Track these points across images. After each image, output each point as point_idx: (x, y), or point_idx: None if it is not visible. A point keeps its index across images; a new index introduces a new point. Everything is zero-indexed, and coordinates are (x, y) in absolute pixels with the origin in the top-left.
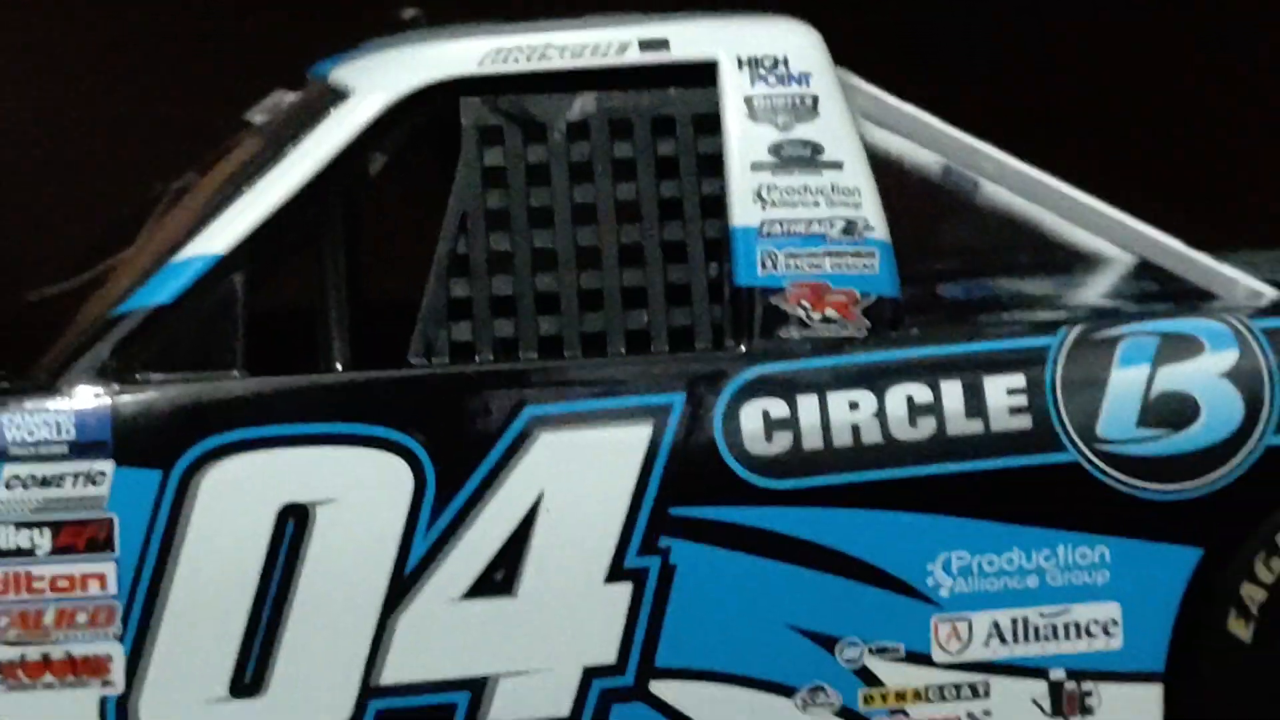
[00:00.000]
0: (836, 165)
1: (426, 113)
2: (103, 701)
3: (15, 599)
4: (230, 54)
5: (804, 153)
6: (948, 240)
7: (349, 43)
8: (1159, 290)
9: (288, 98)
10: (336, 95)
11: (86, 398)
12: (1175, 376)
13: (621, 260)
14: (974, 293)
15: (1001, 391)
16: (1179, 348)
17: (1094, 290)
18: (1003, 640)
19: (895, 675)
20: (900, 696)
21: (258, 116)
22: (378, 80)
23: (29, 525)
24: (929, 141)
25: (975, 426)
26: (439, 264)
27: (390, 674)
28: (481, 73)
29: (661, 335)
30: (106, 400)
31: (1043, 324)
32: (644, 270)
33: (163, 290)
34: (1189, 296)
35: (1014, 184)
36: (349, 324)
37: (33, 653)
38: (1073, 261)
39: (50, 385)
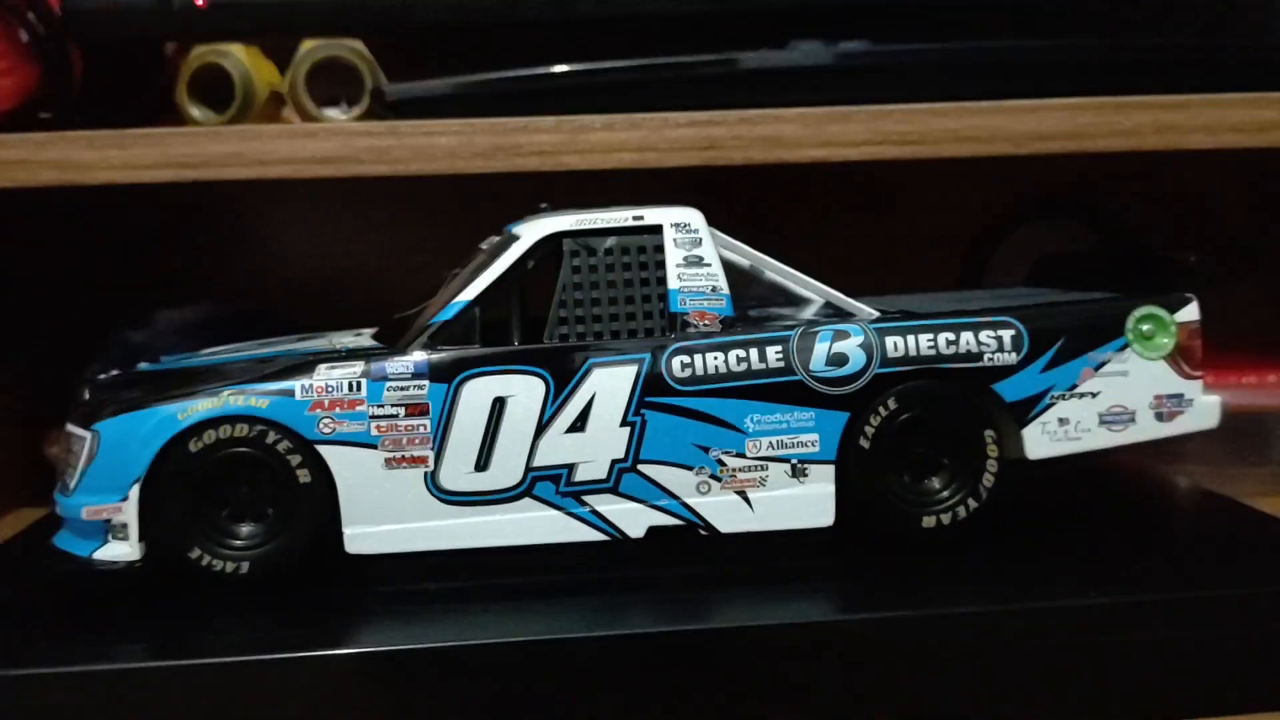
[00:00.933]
0: (708, 265)
1: (550, 245)
2: (425, 475)
3: (391, 435)
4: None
5: (694, 259)
6: (751, 294)
7: (520, 215)
8: (832, 314)
9: (495, 238)
10: (514, 238)
11: (418, 354)
12: (839, 346)
13: (626, 299)
14: (765, 316)
15: (775, 352)
16: (841, 335)
17: (807, 314)
18: (771, 448)
19: (730, 463)
20: (733, 471)
21: (483, 245)
22: (530, 231)
23: (397, 406)
24: (742, 254)
25: (765, 365)
26: (554, 305)
27: (538, 460)
28: (571, 229)
29: (640, 333)
30: (426, 355)
31: (789, 326)
32: (634, 305)
33: (449, 313)
34: (843, 315)
35: (774, 269)
36: (521, 330)
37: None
38: (799, 302)
39: (403, 350)
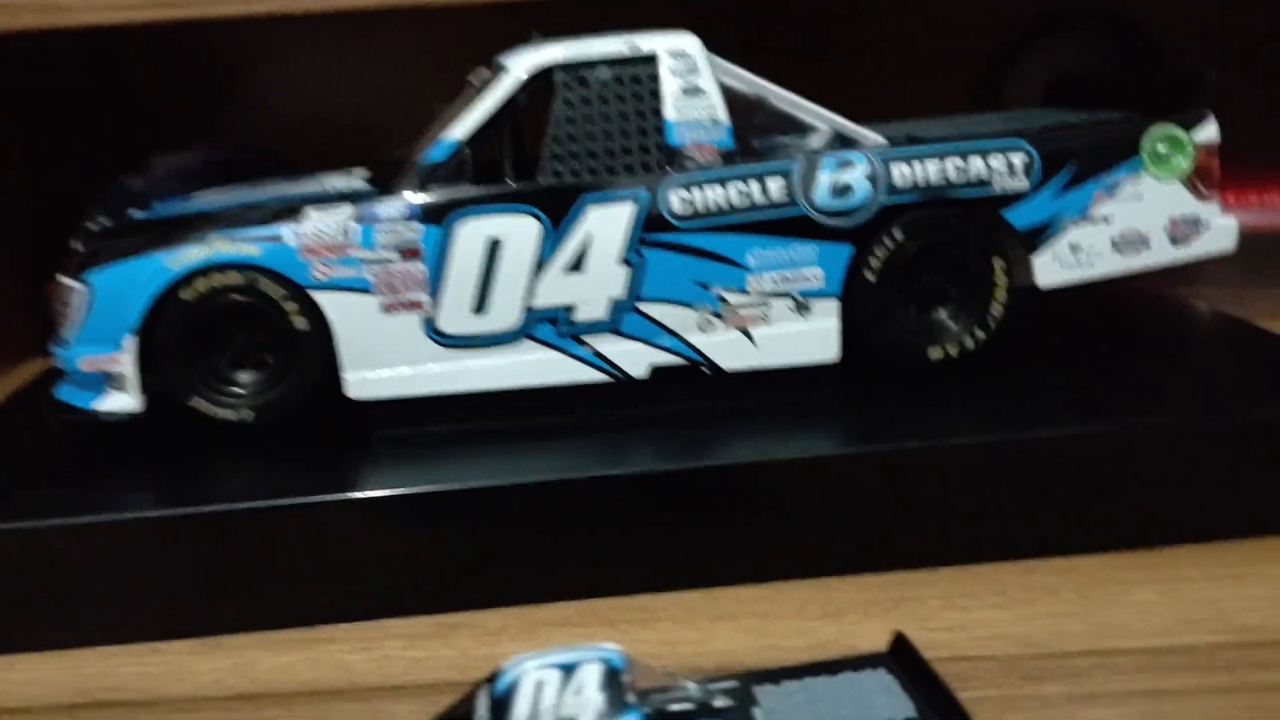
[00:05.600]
0: (706, 94)
1: (541, 78)
2: (423, 318)
3: (386, 279)
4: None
5: (692, 89)
6: (753, 124)
7: (512, 44)
8: (838, 142)
9: (485, 71)
10: (503, 71)
11: (410, 196)
12: (844, 176)
13: (621, 134)
14: (768, 146)
15: (777, 184)
16: (846, 165)
17: (812, 143)
18: (774, 284)
19: (732, 299)
20: (735, 308)
21: (473, 79)
22: (520, 64)
23: (389, 249)
24: (743, 81)
25: (766, 198)
26: (546, 142)
27: (536, 302)
28: (564, 60)
29: (637, 168)
30: (418, 197)
31: (791, 156)
32: (630, 139)
33: (439, 153)
34: (849, 143)
35: (777, 97)
36: (514, 168)
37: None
38: (803, 131)
39: (395, 190)
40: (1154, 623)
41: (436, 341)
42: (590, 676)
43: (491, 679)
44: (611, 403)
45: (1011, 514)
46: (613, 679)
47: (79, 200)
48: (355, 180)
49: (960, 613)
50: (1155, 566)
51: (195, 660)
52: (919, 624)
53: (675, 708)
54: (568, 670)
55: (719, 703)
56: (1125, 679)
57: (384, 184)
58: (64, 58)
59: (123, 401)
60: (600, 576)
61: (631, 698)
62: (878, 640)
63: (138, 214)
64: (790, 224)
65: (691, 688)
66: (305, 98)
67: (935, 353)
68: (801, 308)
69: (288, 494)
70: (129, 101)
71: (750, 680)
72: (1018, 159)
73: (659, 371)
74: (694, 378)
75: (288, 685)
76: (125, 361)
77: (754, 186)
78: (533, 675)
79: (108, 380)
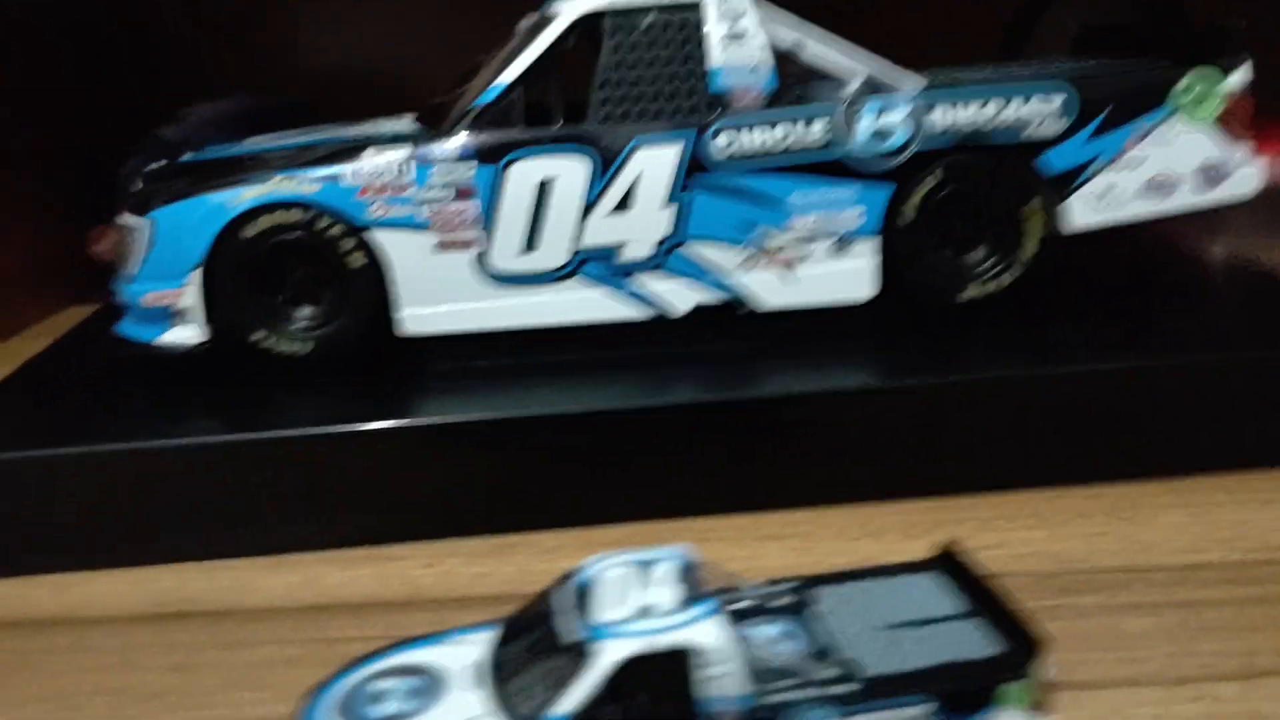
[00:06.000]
0: (751, 39)
1: (588, 23)
2: (475, 256)
3: (440, 217)
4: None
5: (737, 34)
6: (796, 68)
7: None
8: (880, 86)
9: (532, 18)
10: (551, 17)
11: (462, 137)
12: (885, 120)
13: (668, 78)
14: (810, 90)
15: (819, 127)
16: (887, 108)
17: (854, 86)
18: (814, 224)
19: (773, 239)
20: (776, 248)
21: (521, 25)
22: (568, 10)
23: (445, 188)
24: (787, 24)
25: (808, 141)
26: (595, 85)
27: (585, 241)
28: (608, 6)
29: (683, 111)
30: (471, 138)
31: (834, 100)
32: (676, 83)
33: (490, 95)
34: (890, 87)
35: (820, 40)
36: (563, 111)
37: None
38: (845, 74)
39: (448, 132)
40: (1185, 541)
41: (489, 279)
42: (667, 571)
43: (572, 574)
44: (657, 338)
45: (1043, 444)
46: (688, 573)
47: (114, 151)
48: (406, 124)
49: (996, 534)
50: (1184, 492)
51: (265, 575)
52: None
53: (744, 604)
54: (645, 566)
55: (784, 601)
56: (1160, 591)
57: (435, 127)
58: (95, 6)
59: (186, 334)
60: (651, 500)
61: (706, 591)
62: (916, 558)
63: (192, 156)
64: (831, 166)
65: (758, 587)
66: (335, 48)
67: (968, 293)
68: (841, 248)
69: (349, 421)
70: (160, 51)
71: (809, 583)
72: (1055, 104)
73: (700, 308)
74: (734, 315)
75: (355, 598)
76: (189, 296)
77: (797, 129)
78: (612, 571)
79: (172, 314)
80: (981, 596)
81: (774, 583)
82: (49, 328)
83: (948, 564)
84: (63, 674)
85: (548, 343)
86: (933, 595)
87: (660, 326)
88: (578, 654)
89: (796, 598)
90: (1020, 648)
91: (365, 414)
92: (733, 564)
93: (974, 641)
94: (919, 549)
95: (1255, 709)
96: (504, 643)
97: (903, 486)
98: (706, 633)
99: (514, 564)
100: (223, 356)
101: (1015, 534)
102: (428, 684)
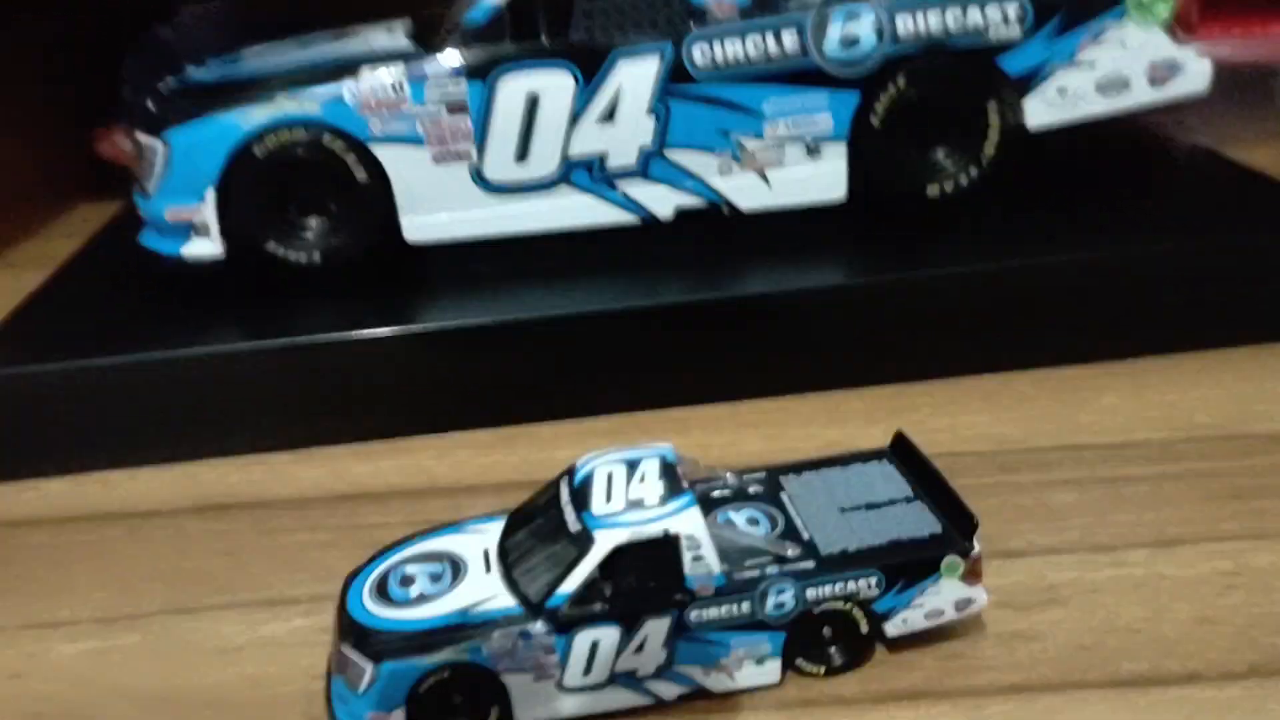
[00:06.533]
0: None
1: None
2: (470, 167)
3: (436, 131)
4: None
5: None
6: None
7: None
8: None
9: None
10: None
11: (455, 54)
12: (852, 28)
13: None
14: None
15: (790, 36)
16: (854, 16)
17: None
18: (788, 130)
19: (749, 145)
20: (752, 153)
21: None
22: None
23: (438, 104)
24: None
25: (780, 51)
26: (578, 2)
27: (572, 150)
28: None
29: (662, 23)
30: (462, 55)
31: (804, 8)
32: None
33: (480, 13)
34: None
35: None
36: (548, 25)
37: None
38: None
39: (440, 49)
40: (1117, 422)
41: (483, 188)
42: (651, 469)
43: (569, 473)
44: (640, 243)
45: (994, 333)
46: (668, 470)
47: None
48: (398, 36)
49: (947, 417)
50: (1121, 375)
51: (295, 468)
52: (913, 427)
53: (717, 494)
54: (632, 465)
55: (752, 490)
56: (1088, 469)
57: (428, 41)
58: None
59: (206, 247)
60: (638, 393)
61: (685, 485)
62: (878, 442)
63: (196, 73)
64: (802, 74)
65: (729, 478)
66: None
67: (934, 190)
68: (812, 151)
69: (362, 327)
70: None
71: (776, 472)
72: (1012, 9)
73: (683, 212)
74: (715, 218)
75: (378, 487)
76: (206, 211)
77: (769, 40)
78: (603, 469)
79: (191, 228)
80: (926, 480)
81: (743, 473)
82: (66, 227)
83: (898, 451)
84: (120, 563)
85: (542, 248)
86: (883, 480)
87: (646, 231)
88: (576, 542)
89: (763, 487)
90: (958, 526)
91: (377, 320)
92: (712, 449)
93: (918, 521)
94: (879, 433)
95: (1160, 572)
96: (509, 533)
97: (866, 376)
98: (686, 522)
99: (517, 454)
100: (243, 267)
101: (963, 417)
102: (447, 569)
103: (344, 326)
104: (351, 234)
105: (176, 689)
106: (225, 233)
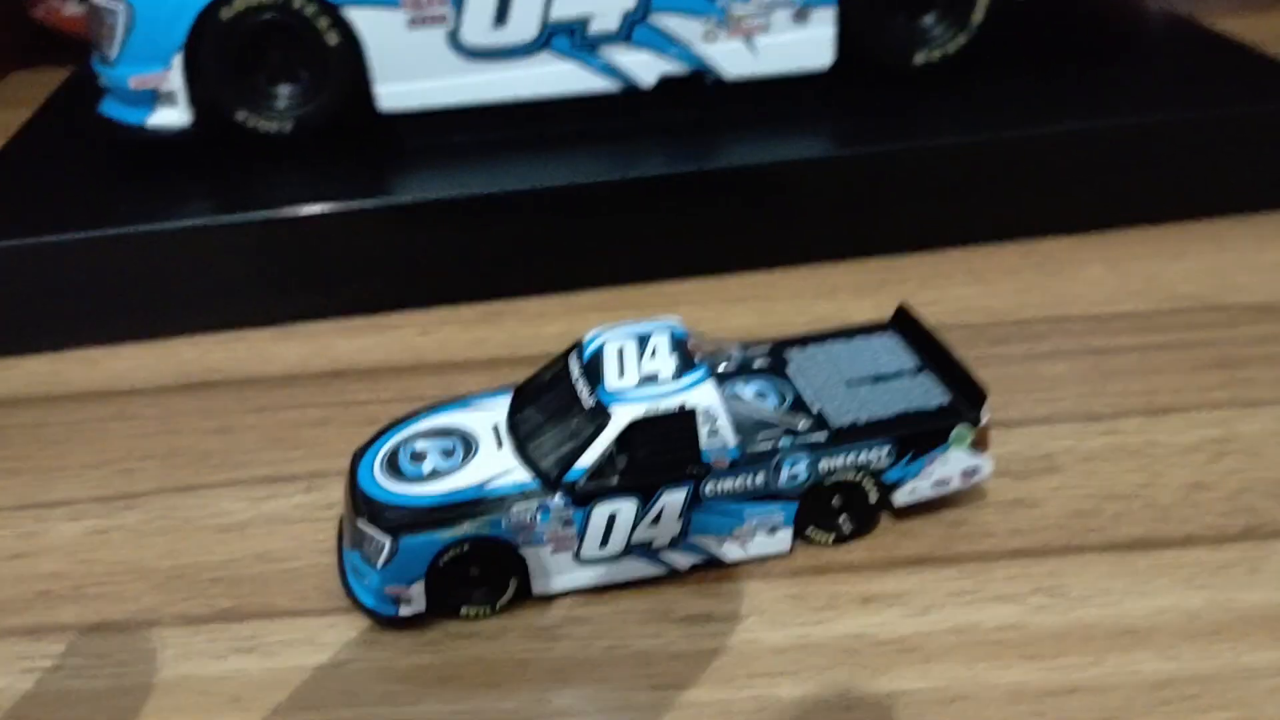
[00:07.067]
0: None
1: None
2: (447, 32)
3: None
4: None
5: None
6: None
7: None
8: None
9: None
10: None
11: None
12: None
13: None
14: None
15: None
16: None
17: None
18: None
19: (736, 9)
20: (739, 18)
21: None
22: None
23: None
24: None
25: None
26: None
27: (554, 14)
28: None
29: None
30: None
31: None
32: None
33: None
34: None
35: None
36: None
37: None
38: None
39: None
40: (1103, 294)
41: (460, 54)
42: (662, 343)
43: (577, 347)
44: (622, 112)
45: (980, 205)
46: (679, 345)
47: None
48: None
49: (936, 290)
50: (1106, 247)
51: (278, 345)
52: (901, 301)
53: (723, 368)
54: (642, 340)
55: (758, 364)
56: (1076, 340)
57: None
58: None
59: (173, 116)
60: (623, 267)
61: (697, 359)
62: (868, 315)
63: None
64: None
65: (735, 352)
66: None
67: (920, 57)
68: (800, 16)
69: (337, 200)
70: None
71: (780, 346)
72: None
73: (666, 80)
74: (698, 90)
75: (365, 363)
76: (173, 79)
77: None
78: (614, 344)
79: (158, 97)
80: (932, 352)
81: (749, 346)
82: (2, 95)
83: (901, 323)
84: (111, 442)
85: (521, 117)
86: (889, 352)
87: (628, 100)
88: (592, 417)
89: (771, 360)
90: (966, 397)
91: (353, 193)
92: (701, 324)
93: (926, 392)
94: (868, 306)
95: (1154, 439)
96: (517, 409)
97: (852, 248)
98: (701, 395)
99: (504, 330)
100: (211, 138)
101: (952, 290)
102: (458, 444)
103: (320, 199)
104: (322, 102)
105: (185, 565)
106: (193, 100)
